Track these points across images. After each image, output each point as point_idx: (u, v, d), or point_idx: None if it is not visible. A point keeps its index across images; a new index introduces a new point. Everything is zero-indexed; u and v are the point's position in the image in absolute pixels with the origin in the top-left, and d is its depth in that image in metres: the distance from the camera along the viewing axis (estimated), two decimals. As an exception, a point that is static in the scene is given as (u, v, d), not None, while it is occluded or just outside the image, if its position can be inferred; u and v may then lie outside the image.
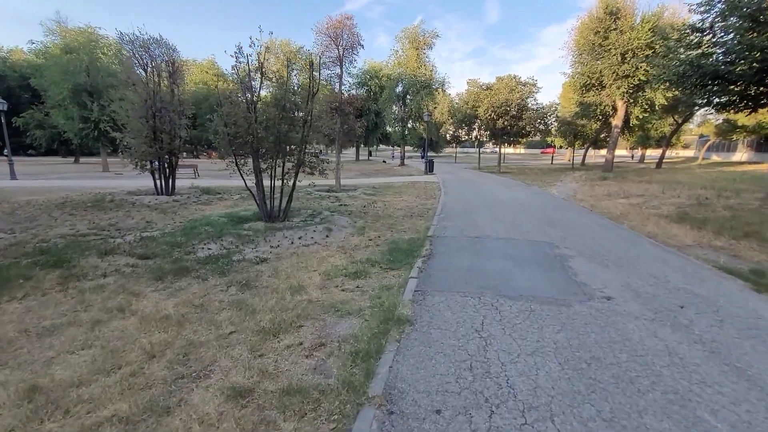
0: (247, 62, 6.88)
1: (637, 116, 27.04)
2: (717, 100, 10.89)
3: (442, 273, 4.80)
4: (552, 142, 42.33)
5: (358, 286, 4.59)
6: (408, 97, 36.18)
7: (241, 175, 8.03)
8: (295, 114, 7.79)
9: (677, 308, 3.70)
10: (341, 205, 11.34)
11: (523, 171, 28.22)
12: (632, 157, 59.02)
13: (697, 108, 31.31)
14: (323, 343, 3.18)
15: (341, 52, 13.68)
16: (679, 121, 32.81)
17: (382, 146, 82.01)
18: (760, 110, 10.71)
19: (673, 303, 3.83)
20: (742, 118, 25.23)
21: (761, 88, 9.95)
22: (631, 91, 24.96)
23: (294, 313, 3.81)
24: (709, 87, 10.58)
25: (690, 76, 10.60)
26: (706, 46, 10.46)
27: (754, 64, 8.89)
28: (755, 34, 8.87)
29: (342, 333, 3.36)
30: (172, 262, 5.47)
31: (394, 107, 37.02)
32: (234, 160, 7.84)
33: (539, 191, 15.03)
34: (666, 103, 25.75)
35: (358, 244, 6.75)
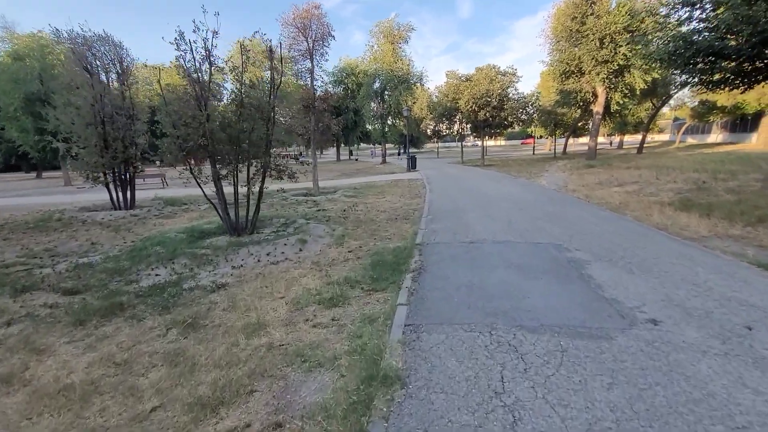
0: (191, 50, 5.81)
1: (618, 101, 26.84)
2: (710, 78, 10.33)
3: (437, 294, 3.91)
4: (533, 132, 42.08)
5: (333, 318, 3.65)
6: (386, 93, 35.27)
7: (198, 183, 6.98)
8: (258, 110, 6.76)
9: (745, 331, 2.90)
10: (319, 210, 10.36)
11: (506, 163, 27.67)
12: (611, 143, 59.53)
13: (675, 90, 31.48)
14: (280, 423, 2.24)
15: (311, 45, 12.65)
16: (657, 104, 32.88)
17: (363, 145, 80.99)
18: (754, 87, 10.19)
19: (735, 323, 3.03)
20: (721, 99, 25.29)
21: (757, 63, 9.42)
22: (611, 76, 24.66)
23: (247, 369, 2.85)
24: (702, 64, 10.00)
25: (681, 53, 10.00)
26: (697, 21, 9.88)
27: (753, 38, 8.30)
28: (751, 6, 8.27)
29: (308, 401, 2.42)
30: (104, 298, 4.41)
31: (372, 104, 36.05)
32: (188, 167, 6.78)
33: (528, 183, 14.34)
34: (645, 87, 25.60)
35: (337, 257, 5.80)
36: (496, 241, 5.92)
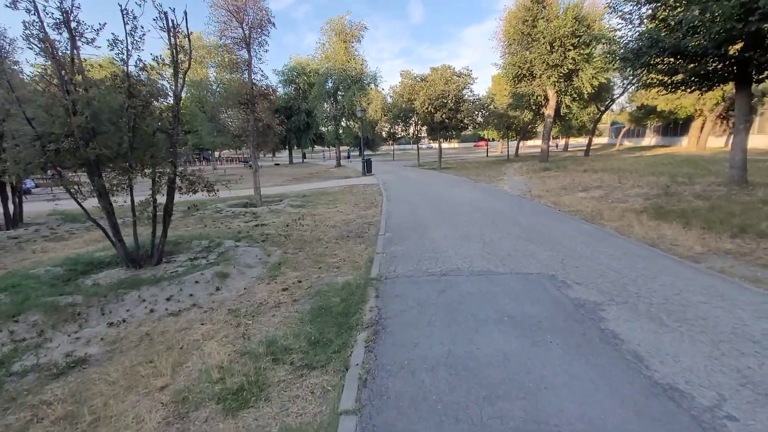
0: (35, 9, 4.01)
1: (567, 105, 27.41)
2: (670, 79, 10.02)
3: (403, 385, 2.53)
4: (486, 135, 42.50)
5: (235, 439, 2.19)
6: (339, 93, 33.75)
7: (74, 197, 5.13)
8: (157, 102, 5.08)
9: None
10: (257, 225, 8.69)
11: (463, 166, 27.24)
12: (556, 146, 62.30)
13: (618, 95, 32.89)
14: None
15: (247, 32, 10.90)
16: (602, 108, 34.25)
17: (318, 147, 78.49)
18: (714, 89, 10.02)
19: None
20: (660, 104, 26.59)
21: (717, 65, 9.14)
22: (561, 80, 25.01)
23: None
24: (665, 65, 9.63)
25: (644, 53, 9.57)
26: (659, 20, 9.46)
27: (719, 35, 7.88)
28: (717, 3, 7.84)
29: None
30: None
31: (325, 105, 34.34)
32: (57, 176, 4.94)
33: (490, 189, 13.54)
34: (592, 91, 26.29)
35: (265, 300, 4.29)
36: (474, 271, 4.70)
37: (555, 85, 25.08)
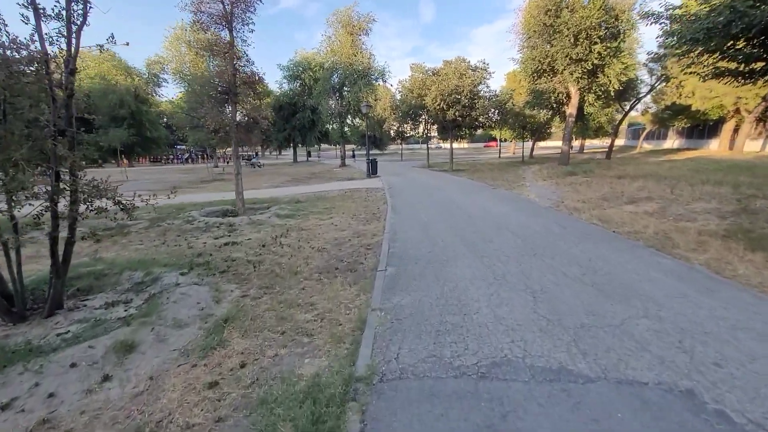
0: None
1: (591, 103, 25.28)
2: (748, 65, 8.00)
3: None
4: (500, 135, 40.38)
5: None
6: (345, 88, 31.89)
7: None
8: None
9: None
10: (228, 243, 6.88)
11: (476, 167, 25.24)
12: (570, 148, 59.86)
13: (644, 94, 30.58)
14: None
15: (228, 8, 9.11)
16: (626, 108, 31.99)
17: (325, 145, 76.75)
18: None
19: None
20: (697, 103, 24.30)
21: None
22: (585, 76, 22.90)
23: None
24: (747, 47, 7.61)
25: (718, 33, 7.56)
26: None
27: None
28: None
29: None
30: None
31: (330, 101, 32.51)
32: None
33: (514, 197, 11.57)
34: (620, 89, 24.19)
35: (168, 415, 2.45)
36: (535, 369, 2.71)
37: (578, 82, 22.96)
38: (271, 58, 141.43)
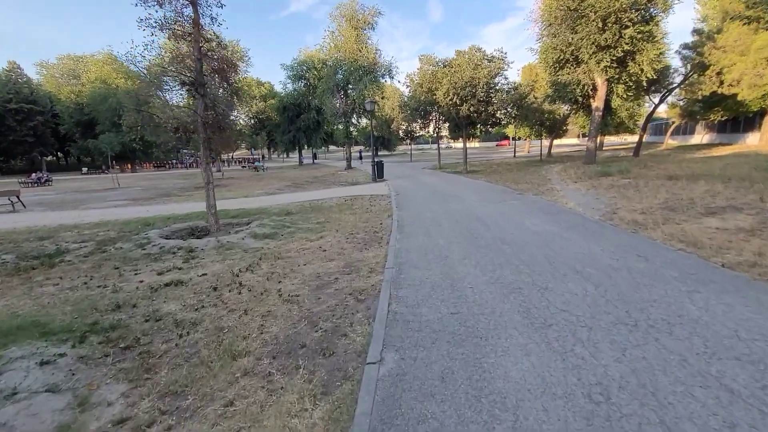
0: None
1: (620, 95, 22.85)
2: None
3: None
4: (516, 132, 37.99)
5: None
6: (350, 86, 29.96)
7: None
8: None
9: None
10: (167, 284, 4.96)
11: (492, 168, 23.02)
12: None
13: (677, 85, 27.97)
14: None
15: (189, -24, 7.24)
16: (655, 100, 29.36)
17: (332, 147, 74.97)
18: None
19: None
20: (745, 92, 21.58)
21: None
22: (613, 64, 20.56)
23: None
24: None
25: None
26: None
27: None
28: None
29: None
30: None
31: (335, 100, 30.60)
32: None
33: (548, 206, 9.42)
34: (654, 78, 21.76)
35: None
36: None
37: (606, 71, 20.63)
38: (281, 62, 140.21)
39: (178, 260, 6.17)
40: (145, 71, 7.48)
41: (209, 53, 7.85)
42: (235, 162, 59.87)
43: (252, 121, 52.96)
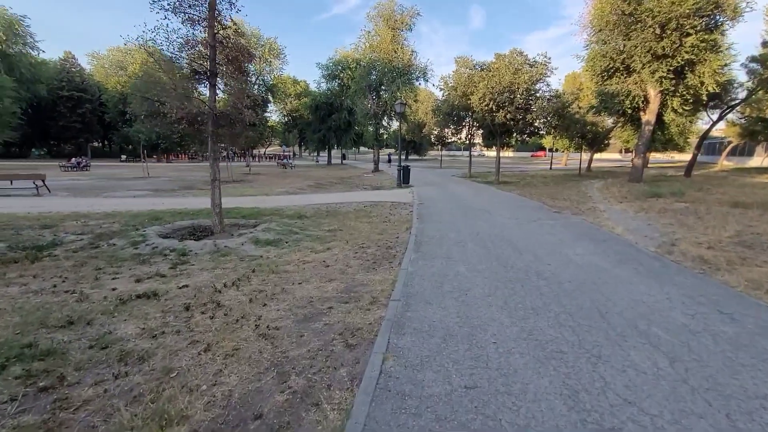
0: None
1: (675, 109, 20.86)
2: None
3: None
4: (554, 144, 36.03)
5: None
6: (382, 87, 29.27)
7: None
8: None
9: None
10: (140, 296, 4.28)
11: (526, 181, 21.57)
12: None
13: (741, 100, 25.45)
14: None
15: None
16: (714, 118, 26.83)
17: (363, 149, 74.64)
18: None
19: None
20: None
21: None
22: (670, 75, 18.72)
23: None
24: None
25: None
26: None
27: None
28: None
29: None
30: None
31: (366, 101, 30.01)
32: None
33: (594, 232, 8.17)
34: (715, 92, 19.74)
35: None
36: None
37: (661, 82, 18.82)
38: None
39: (165, 265, 5.53)
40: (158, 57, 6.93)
41: (224, 41, 7.26)
42: (267, 158, 60.63)
43: (285, 119, 53.45)
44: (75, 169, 28.31)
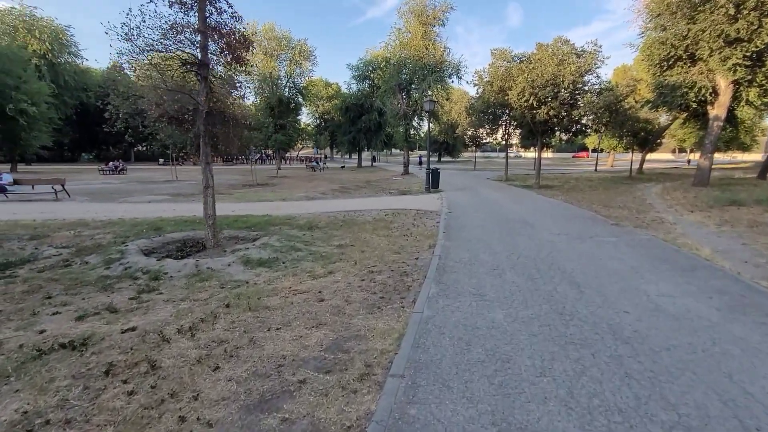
0: None
1: (752, 101, 18.05)
2: None
3: None
4: (601, 143, 33.09)
5: None
6: (413, 86, 27.89)
7: None
8: None
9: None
10: (64, 346, 3.23)
11: (570, 184, 19.43)
12: (688, 162, 48.60)
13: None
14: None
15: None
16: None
17: (395, 151, 73.35)
18: None
19: None
20: None
21: None
22: (746, 63, 16.06)
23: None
24: None
25: None
26: None
27: None
28: None
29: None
30: None
31: (396, 101, 28.75)
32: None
33: (675, 255, 6.34)
34: (805, 80, 16.79)
35: None
36: None
37: (734, 71, 16.15)
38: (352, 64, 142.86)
39: (127, 294, 4.51)
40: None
41: (218, 27, 6.24)
42: (299, 160, 60.92)
43: (318, 121, 53.24)
44: (112, 172, 29.10)
